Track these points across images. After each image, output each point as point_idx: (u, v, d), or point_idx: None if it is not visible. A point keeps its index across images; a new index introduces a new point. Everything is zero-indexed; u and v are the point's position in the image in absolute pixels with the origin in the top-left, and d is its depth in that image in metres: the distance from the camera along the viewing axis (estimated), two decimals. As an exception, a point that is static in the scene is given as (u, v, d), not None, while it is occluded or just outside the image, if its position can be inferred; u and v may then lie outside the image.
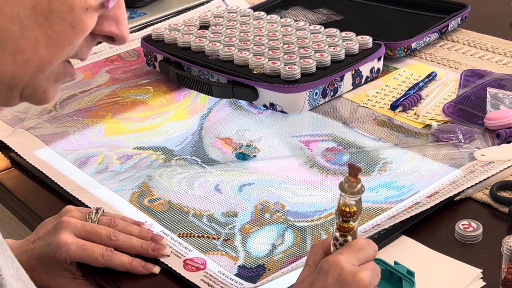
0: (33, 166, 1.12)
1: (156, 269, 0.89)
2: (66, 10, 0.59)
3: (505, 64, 1.33)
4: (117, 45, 0.67)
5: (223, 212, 0.99)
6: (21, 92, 0.62)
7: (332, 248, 0.73)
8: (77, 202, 1.02)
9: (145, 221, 0.97)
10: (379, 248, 0.89)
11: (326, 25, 1.41)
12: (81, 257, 0.87)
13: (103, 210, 0.94)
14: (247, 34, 1.35)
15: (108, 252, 0.88)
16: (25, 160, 1.14)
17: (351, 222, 0.71)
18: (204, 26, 1.41)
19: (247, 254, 0.90)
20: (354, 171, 0.68)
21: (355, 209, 0.69)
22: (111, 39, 0.65)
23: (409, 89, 1.24)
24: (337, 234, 0.72)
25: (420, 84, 1.26)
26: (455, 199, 0.98)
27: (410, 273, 0.81)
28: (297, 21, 1.40)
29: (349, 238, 0.71)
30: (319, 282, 0.70)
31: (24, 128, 1.22)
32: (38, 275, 0.88)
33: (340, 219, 0.71)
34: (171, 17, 1.66)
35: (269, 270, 0.87)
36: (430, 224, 0.94)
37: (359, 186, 0.68)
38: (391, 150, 1.10)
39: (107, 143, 1.17)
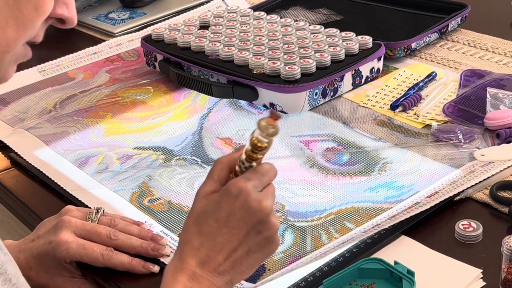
0: (33, 166, 1.12)
1: (156, 269, 0.89)
2: None
3: (505, 64, 1.33)
4: (66, 27, 0.71)
5: (223, 212, 0.99)
6: None
7: (237, 168, 0.78)
8: (77, 202, 1.02)
9: (145, 221, 0.97)
10: (379, 248, 0.90)
11: (326, 25, 1.41)
12: (81, 256, 0.87)
13: (103, 210, 0.94)
14: (247, 34, 1.35)
15: (108, 251, 0.88)
16: (25, 160, 1.14)
17: (259, 154, 0.77)
18: (204, 26, 1.41)
19: (247, 254, 0.90)
20: (275, 117, 0.75)
21: (266, 145, 0.76)
22: (62, 21, 0.70)
23: (409, 89, 1.24)
24: (244, 158, 0.78)
25: (420, 84, 1.26)
26: (455, 199, 0.98)
27: (410, 273, 0.82)
28: (297, 21, 1.40)
29: (254, 164, 0.78)
30: (226, 205, 0.75)
31: (24, 128, 1.22)
32: (36, 273, 0.88)
33: (250, 148, 0.77)
34: (171, 17, 1.66)
35: (269, 270, 0.87)
36: (430, 224, 0.94)
37: (273, 130, 0.75)
38: (391, 150, 1.10)
39: (107, 143, 1.17)
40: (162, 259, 0.90)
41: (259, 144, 0.76)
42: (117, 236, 0.89)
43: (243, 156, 0.78)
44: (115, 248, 0.89)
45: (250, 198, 0.75)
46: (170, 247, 0.92)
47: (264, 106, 1.22)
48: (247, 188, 0.75)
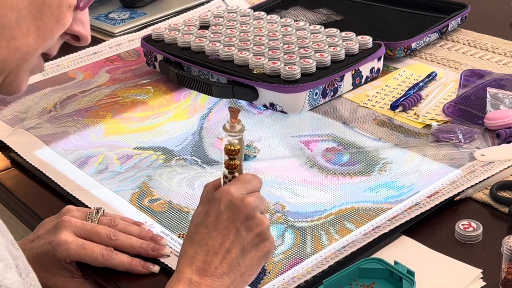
0: (33, 166, 1.12)
1: (156, 269, 0.89)
2: (56, 5, 0.68)
3: (505, 64, 1.33)
4: (80, 45, 0.75)
5: (223, 212, 0.99)
6: (3, 79, 0.69)
7: (222, 184, 0.82)
8: (77, 202, 1.02)
9: (145, 222, 0.97)
10: (379, 248, 0.90)
11: (326, 25, 1.41)
12: (81, 256, 0.87)
13: (103, 210, 0.94)
14: (247, 34, 1.34)
15: (108, 251, 0.88)
16: (25, 160, 1.14)
17: (236, 160, 0.80)
18: (204, 26, 1.41)
19: (247, 254, 0.90)
20: (234, 113, 0.77)
21: (238, 147, 0.79)
22: (77, 39, 0.74)
23: (409, 89, 1.24)
24: (226, 171, 0.81)
25: (420, 84, 1.26)
26: (455, 199, 0.98)
27: (410, 273, 0.82)
28: (297, 21, 1.40)
29: (236, 174, 0.81)
30: (213, 210, 0.79)
31: (24, 128, 1.22)
32: (36, 274, 0.88)
33: (227, 158, 0.80)
34: (171, 17, 1.66)
35: (269, 273, 0.87)
36: (430, 224, 0.94)
37: (239, 126, 0.78)
38: (391, 150, 1.10)
39: (107, 143, 1.17)
40: (162, 259, 0.90)
41: (232, 148, 0.80)
42: (117, 236, 0.89)
43: (225, 171, 0.82)
44: (115, 248, 0.89)
45: (233, 197, 0.79)
46: (170, 247, 0.92)
47: (264, 106, 1.22)
48: (229, 189, 0.80)
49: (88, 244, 0.88)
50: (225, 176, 0.82)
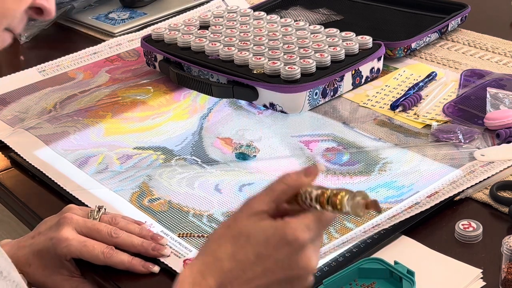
0: (33, 166, 1.12)
1: (156, 269, 0.89)
2: None
3: (505, 64, 1.33)
4: (43, 18, 0.73)
5: (223, 212, 0.99)
6: None
7: (300, 198, 0.70)
8: (77, 202, 1.01)
9: (145, 221, 0.97)
10: (379, 248, 0.90)
11: (326, 25, 1.41)
12: (82, 253, 0.87)
13: (104, 209, 0.94)
14: (247, 34, 1.34)
15: (108, 250, 0.88)
16: (25, 160, 1.14)
17: (329, 209, 0.69)
18: (204, 26, 1.41)
19: (247, 254, 0.90)
20: (373, 208, 0.68)
21: (343, 211, 0.69)
22: (40, 12, 0.72)
23: (409, 89, 1.24)
24: (314, 197, 0.69)
25: (420, 84, 1.26)
26: (455, 199, 0.98)
27: (410, 273, 0.82)
28: (297, 21, 1.40)
29: (318, 208, 0.69)
30: (274, 245, 0.67)
31: (24, 128, 1.22)
32: (34, 270, 0.88)
33: (328, 201, 0.69)
34: (171, 17, 1.66)
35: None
36: (430, 224, 0.94)
37: (362, 213, 0.68)
38: (391, 150, 1.10)
39: (107, 143, 1.17)
40: (162, 259, 0.90)
41: (338, 207, 0.68)
42: (118, 234, 0.89)
43: (314, 194, 0.70)
44: (116, 246, 0.89)
45: (301, 252, 0.68)
46: (170, 247, 0.92)
47: (264, 106, 1.22)
48: (304, 241, 0.67)
49: (89, 241, 0.88)
50: (309, 195, 0.70)
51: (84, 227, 0.89)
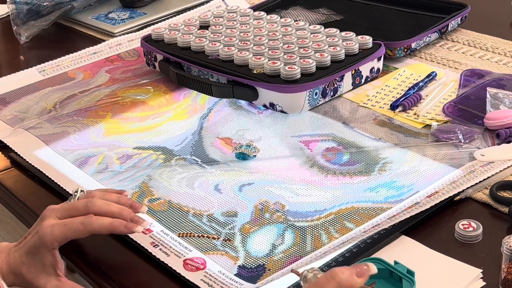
0: (33, 166, 1.12)
1: (139, 228, 0.87)
2: None
3: (505, 64, 1.33)
4: None
5: (223, 212, 0.99)
6: None
7: None
8: (77, 202, 1.02)
9: (145, 221, 0.96)
10: (379, 248, 0.90)
11: (326, 25, 1.41)
12: (65, 233, 0.86)
13: (82, 191, 0.93)
14: (247, 34, 1.35)
15: (87, 218, 0.86)
16: (25, 160, 1.14)
17: None
18: (204, 26, 1.41)
19: (247, 254, 0.90)
20: None
21: None
22: None
23: (409, 89, 1.24)
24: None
25: (420, 84, 1.26)
26: (455, 199, 0.98)
27: (410, 273, 0.82)
28: (297, 21, 1.40)
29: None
30: None
31: (24, 128, 1.22)
32: (27, 268, 0.88)
33: None
34: (171, 17, 1.66)
35: (269, 270, 0.87)
36: (430, 224, 0.94)
37: None
38: (391, 150, 1.10)
39: (107, 143, 1.17)
40: (162, 259, 0.90)
41: None
42: (94, 203, 0.88)
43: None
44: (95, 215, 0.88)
45: None
46: (170, 247, 0.92)
47: (264, 106, 1.22)
48: None
49: (68, 220, 0.87)
50: None
51: (62, 210, 0.89)
